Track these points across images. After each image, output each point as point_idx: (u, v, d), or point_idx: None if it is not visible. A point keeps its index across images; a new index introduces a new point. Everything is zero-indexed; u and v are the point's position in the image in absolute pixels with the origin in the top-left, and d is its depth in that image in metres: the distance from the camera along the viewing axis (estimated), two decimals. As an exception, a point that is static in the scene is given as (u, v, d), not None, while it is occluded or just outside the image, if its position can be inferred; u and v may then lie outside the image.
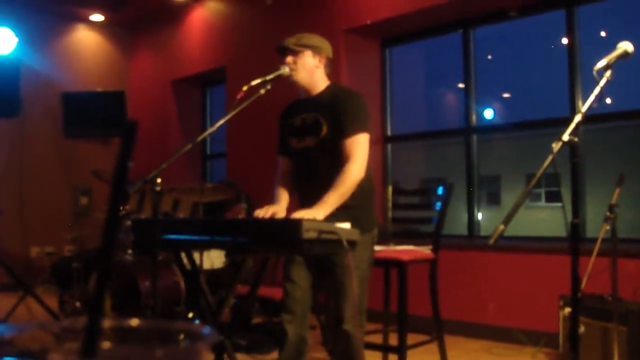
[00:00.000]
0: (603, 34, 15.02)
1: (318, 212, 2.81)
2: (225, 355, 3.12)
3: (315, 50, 3.17)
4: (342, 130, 3.04)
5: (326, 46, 3.23)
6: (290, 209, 3.18)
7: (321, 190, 2.95)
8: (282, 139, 3.35)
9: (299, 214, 2.77)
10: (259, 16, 7.35)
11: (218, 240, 2.87)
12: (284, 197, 3.24)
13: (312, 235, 2.48)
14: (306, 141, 3.15)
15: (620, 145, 15.16)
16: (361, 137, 3.04)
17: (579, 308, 2.41)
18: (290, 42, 3.16)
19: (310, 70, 3.16)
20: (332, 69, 3.28)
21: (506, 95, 21.74)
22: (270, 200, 3.26)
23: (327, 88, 3.21)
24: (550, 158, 2.26)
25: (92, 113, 8.38)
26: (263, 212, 2.97)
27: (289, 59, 3.16)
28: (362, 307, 3.04)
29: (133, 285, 4.77)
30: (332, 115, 3.07)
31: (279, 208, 3.09)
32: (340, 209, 2.97)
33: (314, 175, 3.08)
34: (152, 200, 3.13)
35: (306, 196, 3.11)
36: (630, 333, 3.65)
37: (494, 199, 20.64)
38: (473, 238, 5.93)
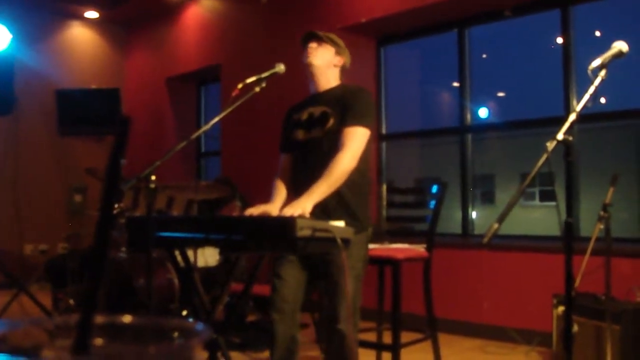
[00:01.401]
0: (598, 33, 15.03)
1: (306, 203, 2.79)
2: (219, 353, 3.12)
3: (338, 50, 3.23)
4: (344, 121, 3.04)
5: (348, 53, 3.28)
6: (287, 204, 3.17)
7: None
8: (285, 135, 3.34)
9: (289, 209, 2.77)
10: (254, 14, 7.35)
11: (212, 238, 2.86)
12: (280, 196, 3.22)
13: (306, 233, 2.47)
14: (313, 133, 3.14)
15: (615, 145, 15.21)
16: (359, 130, 3.02)
17: (572, 307, 2.41)
18: (320, 32, 3.22)
19: (328, 64, 3.20)
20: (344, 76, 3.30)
21: (501, 94, 21.74)
22: (267, 198, 3.25)
23: (338, 86, 3.23)
24: (544, 157, 2.26)
25: (86, 110, 8.34)
26: (254, 210, 2.97)
27: (313, 44, 3.19)
28: (356, 306, 3.04)
29: (127, 283, 4.76)
30: (340, 109, 3.08)
31: (271, 207, 3.08)
32: (339, 205, 2.97)
33: (318, 166, 3.03)
34: (147, 198, 3.13)
35: (306, 188, 3.10)
36: (624, 332, 3.66)
37: (488, 198, 20.66)
38: (467, 237, 5.94)
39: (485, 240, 2.19)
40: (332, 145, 3.04)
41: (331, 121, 3.08)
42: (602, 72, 2.40)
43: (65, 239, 7.72)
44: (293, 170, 3.27)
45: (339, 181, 2.94)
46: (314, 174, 2.97)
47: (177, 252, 3.35)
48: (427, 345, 3.96)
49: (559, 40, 5.42)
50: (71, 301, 5.40)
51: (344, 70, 3.29)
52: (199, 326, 0.63)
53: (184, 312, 4.81)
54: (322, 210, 2.88)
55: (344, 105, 3.07)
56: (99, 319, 0.63)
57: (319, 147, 3.10)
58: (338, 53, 3.23)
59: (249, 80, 3.15)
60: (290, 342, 3.06)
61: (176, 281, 4.92)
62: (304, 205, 2.76)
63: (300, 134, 3.20)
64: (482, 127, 9.34)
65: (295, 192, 3.13)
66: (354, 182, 3.02)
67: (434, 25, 6.29)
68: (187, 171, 8.58)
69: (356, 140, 3.01)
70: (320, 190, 2.87)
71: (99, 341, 0.62)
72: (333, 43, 3.22)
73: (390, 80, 6.87)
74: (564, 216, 2.38)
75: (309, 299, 3.23)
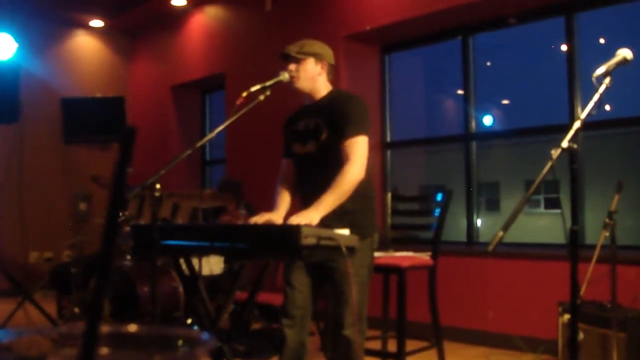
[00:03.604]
0: (602, 40, 15.04)
1: (314, 214, 2.81)
2: (223, 362, 3.11)
3: (317, 57, 3.18)
4: (341, 133, 3.04)
5: (327, 52, 3.23)
6: (291, 213, 3.18)
7: (322, 194, 2.95)
8: (286, 144, 3.36)
9: (295, 218, 2.77)
10: (259, 23, 7.36)
11: (217, 246, 2.87)
12: (284, 202, 3.24)
13: (311, 241, 2.48)
14: (308, 146, 3.15)
15: (619, 152, 15.17)
16: (360, 139, 3.03)
17: (578, 315, 2.40)
18: (293, 50, 3.18)
19: (313, 77, 3.18)
20: (333, 75, 3.29)
21: (505, 101, 21.73)
22: (271, 205, 3.25)
23: (329, 93, 3.22)
24: (549, 164, 2.26)
25: (91, 119, 8.37)
26: (258, 219, 2.98)
27: (292, 66, 3.17)
28: (362, 313, 3.04)
29: (132, 291, 4.76)
30: (332, 119, 3.08)
31: (275, 215, 3.09)
32: (340, 213, 2.97)
33: (315, 179, 3.08)
34: (151, 206, 3.13)
35: (308, 200, 3.11)
36: (629, 340, 3.65)
37: (493, 206, 20.61)
38: (472, 244, 5.92)
39: (491, 248, 2.19)
40: (327, 158, 3.06)
41: (324, 133, 3.09)
42: (607, 80, 2.40)
43: (70, 246, 7.72)
44: (297, 180, 3.28)
45: (347, 193, 2.95)
46: (315, 188, 3.00)
47: (181, 260, 3.35)
48: (432, 354, 3.95)
49: (564, 47, 5.42)
50: (76, 309, 5.40)
51: (332, 69, 3.25)
52: (205, 335, 0.63)
53: (189, 320, 4.81)
54: (325, 217, 2.88)
55: (335, 116, 3.07)
56: (105, 328, 0.63)
57: (314, 161, 3.13)
58: (318, 60, 3.18)
59: (253, 89, 3.15)
60: (300, 348, 3.09)
61: (181, 289, 4.92)
62: (311, 217, 2.77)
63: (297, 147, 3.22)
64: (486, 135, 9.35)
65: (301, 205, 3.15)
66: (355, 188, 3.02)
67: (438, 32, 6.29)
68: (191, 179, 8.59)
69: (359, 151, 3.01)
70: (328, 202, 2.89)
71: (104, 350, 0.62)
72: (309, 54, 3.17)
73: (395, 88, 6.87)
74: (569, 224, 2.38)
75: (314, 306, 3.23)
